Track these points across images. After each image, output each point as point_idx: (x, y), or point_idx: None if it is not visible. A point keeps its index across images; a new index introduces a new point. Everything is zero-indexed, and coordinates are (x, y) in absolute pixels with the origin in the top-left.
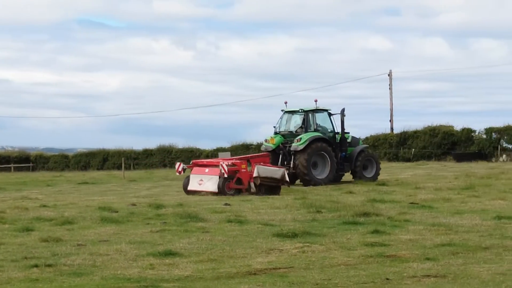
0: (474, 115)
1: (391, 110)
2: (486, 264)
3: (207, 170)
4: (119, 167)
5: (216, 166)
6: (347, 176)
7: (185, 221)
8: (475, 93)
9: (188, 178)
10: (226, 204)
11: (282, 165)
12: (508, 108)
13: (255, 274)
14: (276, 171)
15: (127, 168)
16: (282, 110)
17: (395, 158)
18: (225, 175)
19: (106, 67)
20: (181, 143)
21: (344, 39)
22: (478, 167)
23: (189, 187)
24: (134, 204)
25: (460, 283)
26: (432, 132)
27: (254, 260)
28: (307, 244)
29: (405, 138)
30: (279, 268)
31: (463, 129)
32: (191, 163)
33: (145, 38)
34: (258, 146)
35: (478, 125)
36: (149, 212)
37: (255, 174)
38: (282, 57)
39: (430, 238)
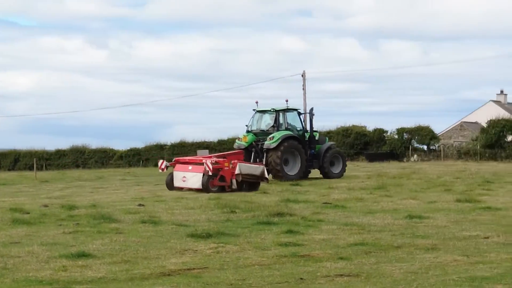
0: (386, 116)
1: (305, 110)
2: (398, 263)
3: (190, 167)
4: (31, 168)
5: (200, 163)
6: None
7: (98, 222)
8: (386, 94)
9: (171, 175)
10: (140, 205)
11: (255, 162)
12: (418, 109)
13: (169, 275)
14: (256, 168)
15: (39, 168)
16: (253, 110)
17: None
18: (210, 173)
19: (18, 67)
20: (94, 143)
21: (258, 39)
22: (390, 167)
23: (174, 184)
24: (46, 205)
25: (372, 282)
26: (345, 132)
27: (168, 261)
28: (222, 244)
29: None
30: (193, 268)
31: (375, 130)
32: (173, 160)
33: (58, 37)
34: (173, 146)
35: (390, 126)
36: (62, 213)
37: (237, 171)
38: (197, 57)
39: (343, 237)
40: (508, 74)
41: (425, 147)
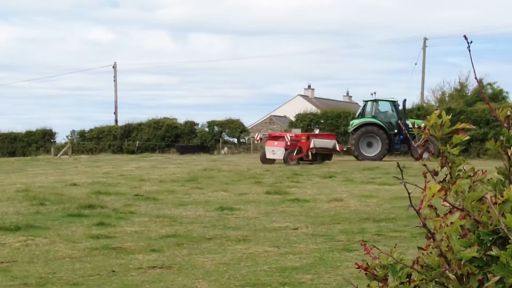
0: (197, 109)
1: (116, 102)
2: (210, 255)
3: (276, 143)
4: None
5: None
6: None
7: None
8: (197, 87)
9: (264, 149)
10: None
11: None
12: (228, 102)
13: None
14: (329, 143)
15: None
16: (363, 100)
17: (120, 150)
18: (288, 143)
19: None
20: None
21: (66, 29)
22: (201, 159)
23: (267, 156)
24: None
25: (185, 273)
26: (156, 124)
27: None
28: (31, 237)
29: (130, 131)
30: (1, 262)
31: (186, 122)
32: (267, 134)
33: None
34: None
35: (201, 118)
36: None
37: (311, 145)
38: (1, 47)
39: (155, 229)
40: (315, 69)
41: (235, 140)
